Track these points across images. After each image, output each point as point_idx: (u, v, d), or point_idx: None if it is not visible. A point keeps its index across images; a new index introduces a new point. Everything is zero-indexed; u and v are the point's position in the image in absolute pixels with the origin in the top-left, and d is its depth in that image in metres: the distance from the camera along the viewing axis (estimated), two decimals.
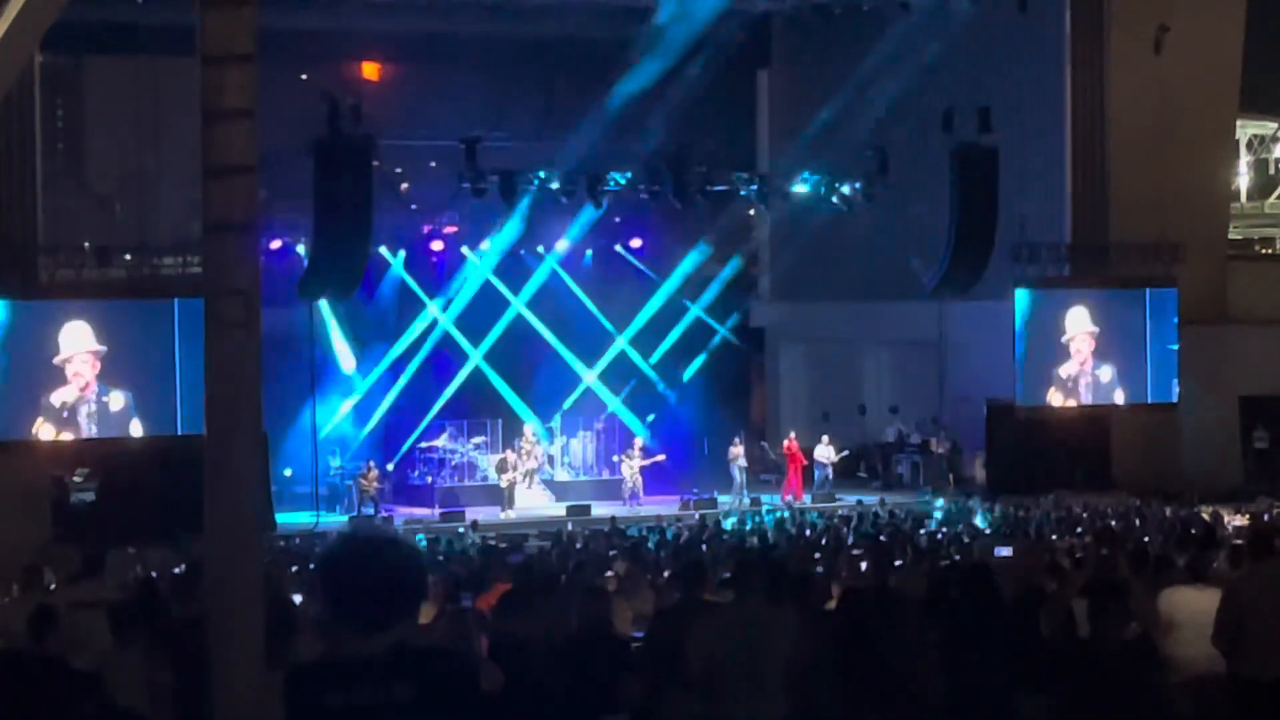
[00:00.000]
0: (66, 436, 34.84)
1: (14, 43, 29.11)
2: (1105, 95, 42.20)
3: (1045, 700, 10.94)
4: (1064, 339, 40.97)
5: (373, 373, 44.05)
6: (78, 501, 36.03)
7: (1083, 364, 41.20)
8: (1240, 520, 29.45)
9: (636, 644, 15.00)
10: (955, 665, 11.59)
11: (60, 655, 11.75)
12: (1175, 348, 41.68)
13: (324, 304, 40.60)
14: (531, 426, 43.45)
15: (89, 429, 35.00)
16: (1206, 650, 12.99)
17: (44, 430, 34.60)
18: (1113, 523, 29.82)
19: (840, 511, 37.87)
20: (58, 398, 34.50)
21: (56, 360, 34.40)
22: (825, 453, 42.54)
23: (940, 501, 39.61)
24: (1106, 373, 41.44)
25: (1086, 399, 41.44)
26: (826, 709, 11.77)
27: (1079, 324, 41.12)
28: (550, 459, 43.19)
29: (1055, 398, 41.14)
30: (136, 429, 35.21)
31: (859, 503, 39.29)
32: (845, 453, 43.60)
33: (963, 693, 11.61)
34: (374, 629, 6.34)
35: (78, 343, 34.58)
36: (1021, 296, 40.59)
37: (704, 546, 28.24)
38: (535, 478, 41.76)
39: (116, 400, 34.99)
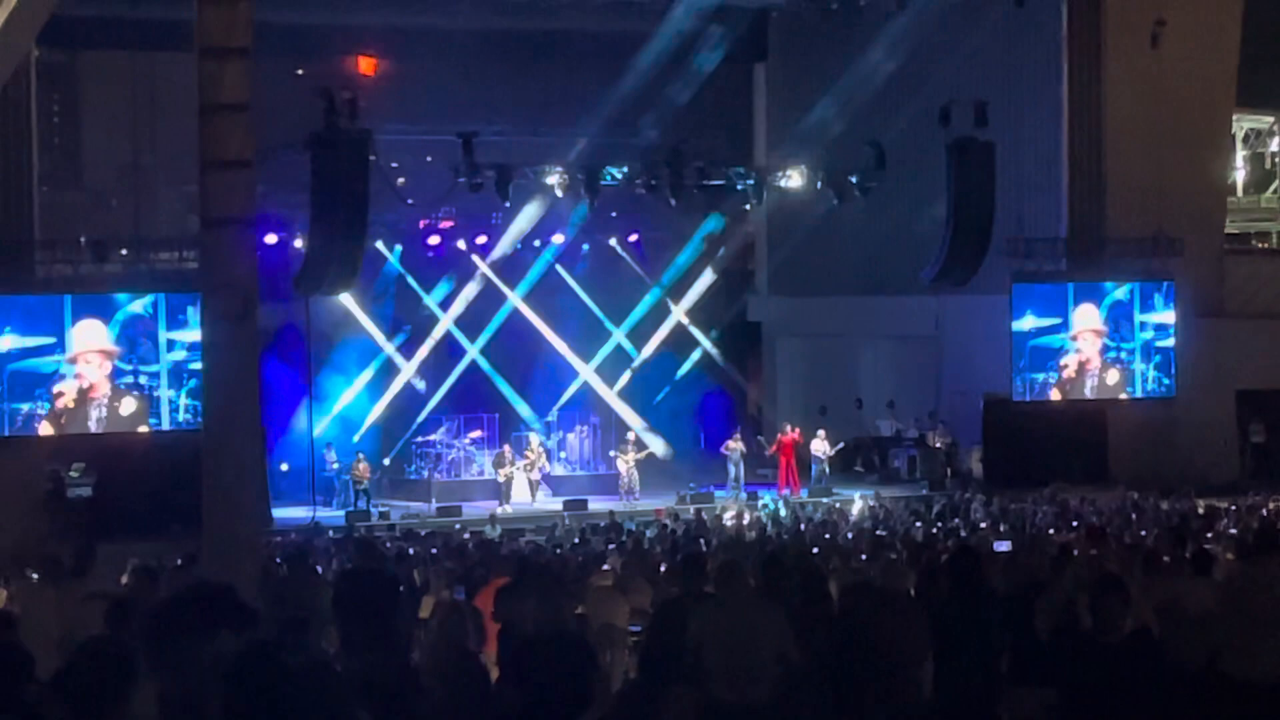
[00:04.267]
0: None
1: (10, 38, 29.08)
2: (1102, 89, 42.18)
3: (1043, 694, 10.93)
4: (1069, 335, 41.13)
5: (371, 366, 44.07)
6: (74, 496, 35.96)
7: (1086, 363, 41.32)
8: (1238, 515, 29.42)
9: (634, 637, 15.02)
10: (946, 657, 11.56)
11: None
12: (1172, 342, 41.75)
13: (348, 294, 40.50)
14: (538, 437, 43.33)
15: (97, 430, 34.96)
16: (1205, 648, 12.92)
17: (44, 428, 34.58)
18: (1094, 518, 29.84)
19: (837, 505, 37.86)
20: (58, 390, 34.47)
21: (66, 356, 34.41)
22: (821, 447, 42.48)
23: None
24: (1113, 375, 41.56)
25: (1090, 396, 41.64)
26: (819, 702, 11.76)
27: (1086, 321, 41.25)
28: (548, 453, 43.13)
29: (1054, 394, 41.29)
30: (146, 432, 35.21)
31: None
32: (841, 446, 43.56)
33: (957, 686, 11.58)
34: None
35: (86, 340, 34.55)
36: (1019, 291, 40.67)
37: (702, 541, 28.25)
38: (540, 488, 41.53)
39: (129, 405, 34.94)
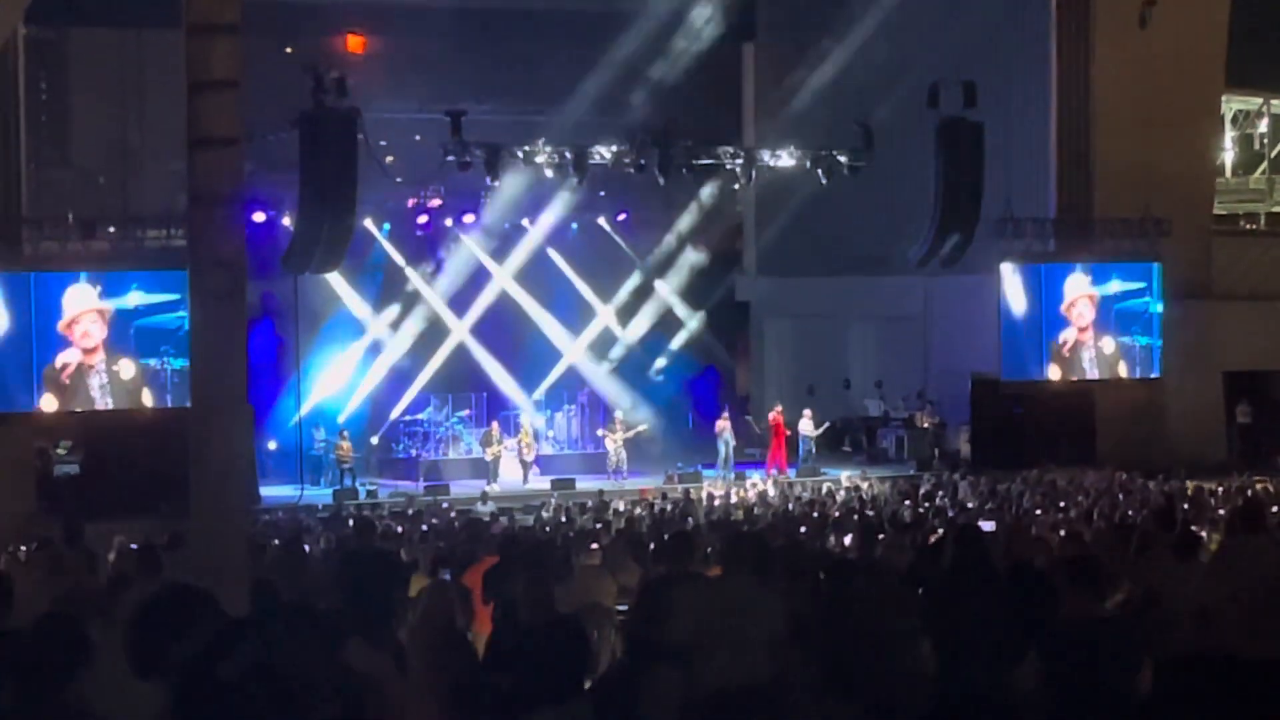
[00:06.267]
0: (78, 409, 34.70)
1: None
2: (1090, 70, 42.20)
3: (1033, 673, 10.94)
4: (1063, 306, 41.13)
5: (358, 344, 44.00)
6: (61, 474, 35.94)
7: (1085, 329, 41.29)
8: (1225, 496, 29.47)
9: (622, 616, 15.02)
10: (943, 636, 11.58)
11: None
12: (1159, 323, 41.77)
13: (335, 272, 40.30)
14: (529, 419, 43.26)
15: (103, 401, 34.83)
16: (1191, 627, 12.93)
17: (47, 402, 34.41)
18: (1081, 499, 29.89)
19: (825, 485, 37.91)
20: (61, 364, 34.34)
21: (61, 324, 34.30)
22: (807, 427, 42.55)
23: None
24: (1109, 343, 41.51)
25: (1092, 373, 41.55)
26: (808, 684, 11.77)
27: (1079, 288, 41.23)
28: (536, 435, 43.09)
29: (1054, 371, 41.22)
30: (148, 399, 35.02)
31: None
32: (826, 425, 43.58)
33: (952, 665, 11.59)
34: None
35: (83, 301, 34.44)
36: (1007, 271, 40.67)
37: (690, 520, 28.28)
38: (531, 470, 41.46)
39: (127, 369, 34.81)
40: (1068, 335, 41.31)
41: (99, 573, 15.28)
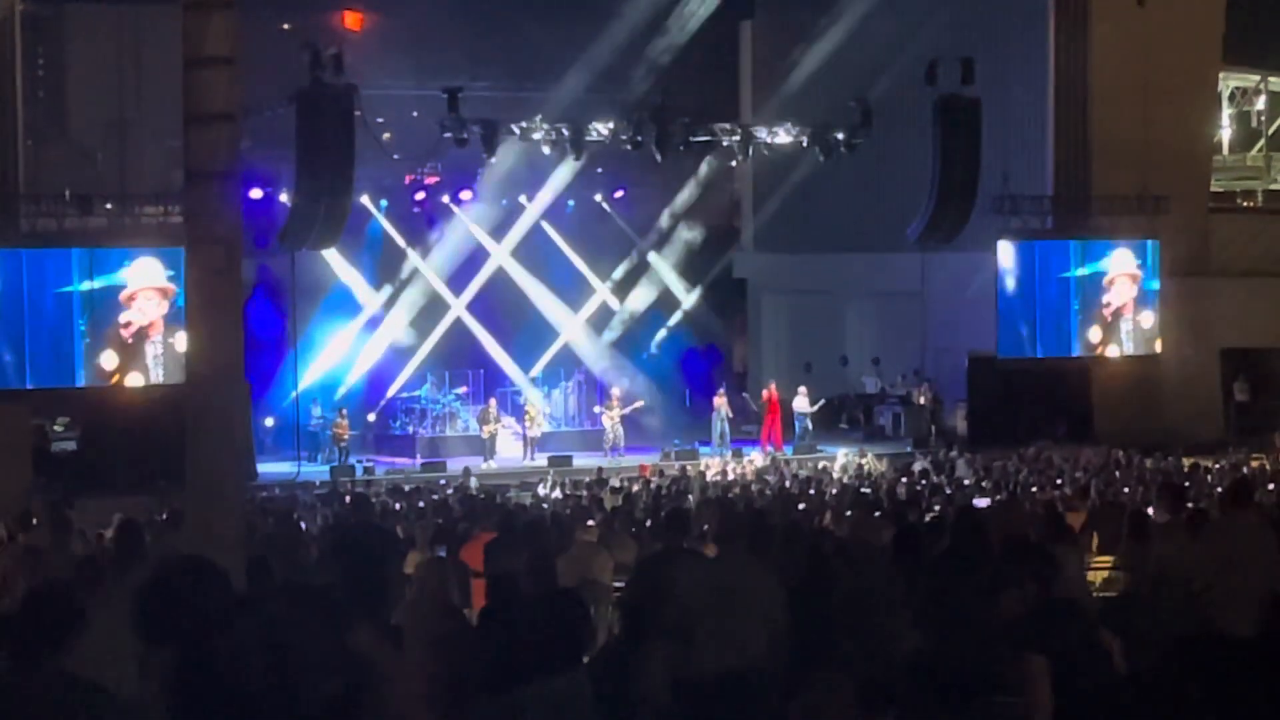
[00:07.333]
0: (137, 379, 34.65)
1: None
2: (1088, 47, 42.15)
3: (1023, 656, 10.96)
4: (1105, 280, 41.17)
5: (356, 320, 43.97)
6: (59, 451, 35.93)
7: (1123, 308, 41.36)
8: (1220, 473, 29.50)
9: (617, 592, 15.03)
10: (934, 617, 11.59)
11: None
12: (1157, 300, 41.78)
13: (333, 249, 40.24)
14: (535, 396, 43.17)
15: (155, 373, 34.81)
16: (1190, 606, 12.93)
17: (108, 360, 34.35)
18: (1079, 474, 29.91)
19: (821, 463, 37.92)
20: (125, 321, 34.41)
21: (123, 296, 34.31)
22: (802, 404, 42.56)
23: None
24: (1147, 317, 41.58)
25: (1128, 347, 41.61)
26: (796, 663, 11.79)
27: (1122, 265, 41.32)
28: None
29: (1095, 334, 41.33)
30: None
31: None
32: (821, 402, 43.54)
33: (941, 645, 11.62)
34: None
35: (144, 278, 34.48)
36: (1004, 248, 40.66)
37: (689, 496, 28.31)
38: (534, 448, 41.41)
39: (182, 342, 34.77)
40: (1109, 316, 41.35)
41: (72, 553, 15.28)
